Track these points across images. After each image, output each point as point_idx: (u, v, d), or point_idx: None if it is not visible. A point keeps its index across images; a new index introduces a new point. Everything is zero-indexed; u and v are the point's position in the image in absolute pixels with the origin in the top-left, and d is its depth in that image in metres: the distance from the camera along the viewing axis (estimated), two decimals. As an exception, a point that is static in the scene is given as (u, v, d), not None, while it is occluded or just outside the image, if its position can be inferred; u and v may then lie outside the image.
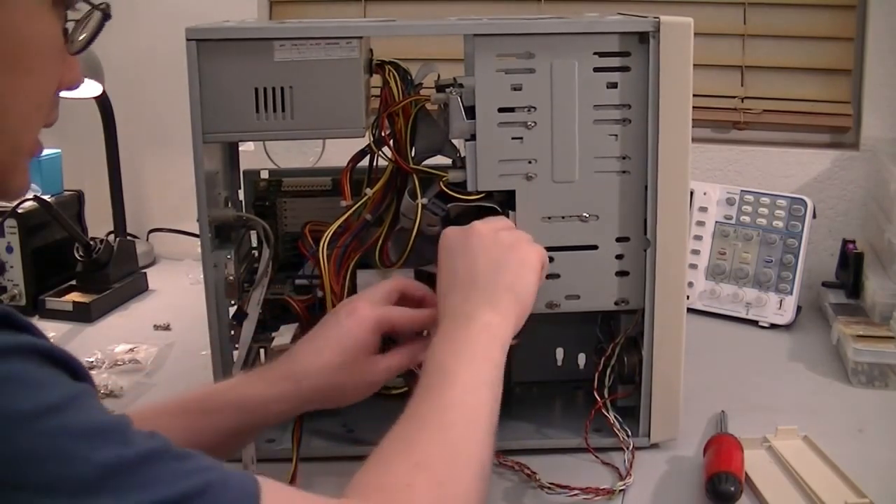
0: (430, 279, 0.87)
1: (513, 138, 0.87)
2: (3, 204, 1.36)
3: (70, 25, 0.59)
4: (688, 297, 1.18)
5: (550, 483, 0.86)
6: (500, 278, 0.77)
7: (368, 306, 0.81)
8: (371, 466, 0.62)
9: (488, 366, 0.71)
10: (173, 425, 0.78)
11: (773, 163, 1.51)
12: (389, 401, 1.00)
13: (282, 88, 0.85)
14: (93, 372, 1.16)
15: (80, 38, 0.60)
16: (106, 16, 0.61)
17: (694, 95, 0.86)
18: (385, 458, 0.63)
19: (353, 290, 0.92)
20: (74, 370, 0.49)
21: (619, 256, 0.91)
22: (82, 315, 1.36)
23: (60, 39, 0.58)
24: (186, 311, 1.35)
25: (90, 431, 0.46)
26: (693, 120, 0.87)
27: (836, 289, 1.34)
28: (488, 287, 0.77)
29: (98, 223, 1.56)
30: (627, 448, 0.91)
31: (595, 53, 0.86)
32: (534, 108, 0.87)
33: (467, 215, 0.94)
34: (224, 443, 0.79)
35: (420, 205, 0.90)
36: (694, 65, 0.85)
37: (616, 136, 0.88)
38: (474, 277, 0.77)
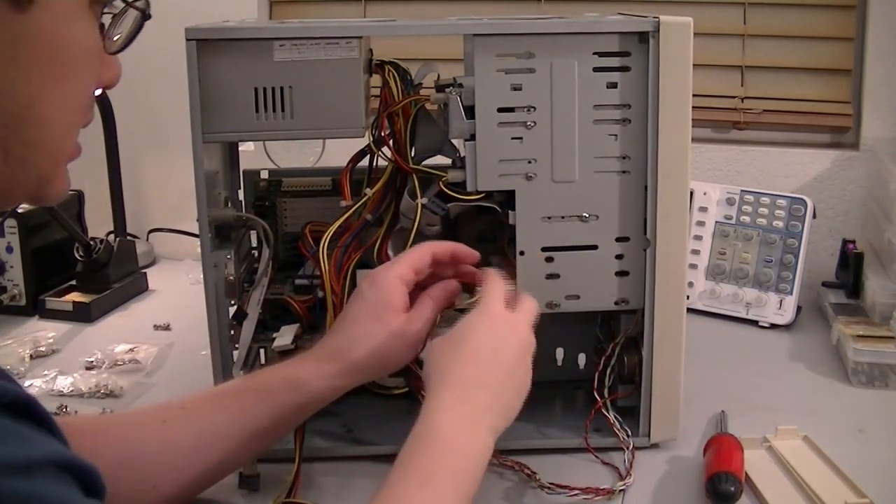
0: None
1: (512, 138, 0.87)
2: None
3: (106, 20, 0.57)
4: (688, 297, 1.18)
5: (550, 483, 0.86)
6: (514, 405, 0.76)
7: (384, 269, 0.83)
8: None
9: (473, 484, 0.69)
10: (228, 407, 0.79)
11: (773, 163, 1.50)
12: (389, 400, 1.00)
13: (281, 88, 0.85)
14: (92, 372, 1.17)
15: (116, 36, 0.58)
16: (146, 15, 0.59)
17: (694, 95, 0.86)
18: None
19: (353, 291, 0.91)
20: (88, 483, 0.48)
21: (618, 256, 0.91)
22: (82, 315, 1.36)
23: (98, 39, 0.56)
24: (186, 311, 1.35)
25: None
26: (693, 120, 0.87)
27: (836, 289, 1.34)
28: (505, 407, 0.75)
29: (98, 223, 1.56)
30: (627, 448, 0.91)
31: (595, 53, 0.86)
32: (533, 107, 0.87)
33: (467, 215, 0.94)
34: (278, 423, 0.81)
35: (420, 204, 0.90)
36: (694, 65, 0.85)
37: (616, 136, 0.88)
38: (503, 390, 0.75)
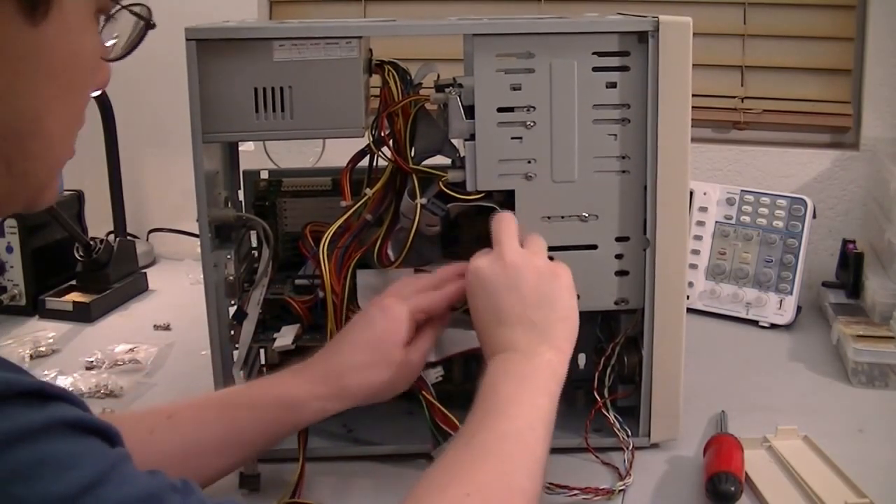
0: None
1: (512, 138, 0.87)
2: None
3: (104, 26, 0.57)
4: (688, 297, 1.18)
5: (550, 483, 0.86)
6: (554, 313, 0.77)
7: (398, 302, 0.82)
8: (422, 491, 0.62)
9: (547, 403, 0.72)
10: (216, 419, 0.79)
11: (773, 163, 1.51)
12: (389, 401, 1.00)
13: (281, 88, 0.85)
14: (92, 372, 1.17)
15: (112, 41, 0.58)
16: (149, 24, 0.59)
17: (694, 95, 0.86)
18: (438, 485, 0.63)
19: (353, 290, 0.91)
20: (108, 437, 0.48)
21: (618, 256, 0.91)
22: (82, 315, 1.36)
23: (99, 45, 0.56)
24: (186, 311, 1.35)
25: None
26: (693, 120, 0.87)
27: (836, 289, 1.34)
28: (546, 324, 0.76)
29: (98, 223, 1.56)
30: (627, 448, 0.91)
31: (594, 53, 0.86)
32: (533, 107, 0.87)
33: (467, 215, 0.94)
34: (265, 438, 0.81)
35: (419, 205, 0.90)
36: (694, 65, 0.85)
37: (615, 135, 0.88)
38: (528, 314, 0.77)
